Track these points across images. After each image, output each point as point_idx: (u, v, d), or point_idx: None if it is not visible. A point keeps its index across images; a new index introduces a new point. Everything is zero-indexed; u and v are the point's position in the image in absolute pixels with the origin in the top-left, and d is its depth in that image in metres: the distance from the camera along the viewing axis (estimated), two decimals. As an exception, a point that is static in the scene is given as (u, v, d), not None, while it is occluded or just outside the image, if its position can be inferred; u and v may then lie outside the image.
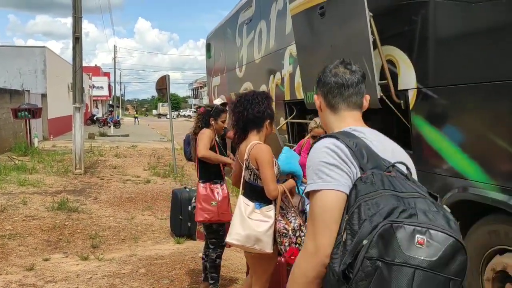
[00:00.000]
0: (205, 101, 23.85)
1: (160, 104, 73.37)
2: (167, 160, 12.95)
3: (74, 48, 11.16)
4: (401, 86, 3.73)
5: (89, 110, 38.70)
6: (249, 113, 2.91)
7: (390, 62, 3.80)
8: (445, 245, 1.11)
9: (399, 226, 1.12)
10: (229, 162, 3.85)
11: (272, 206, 2.85)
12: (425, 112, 3.50)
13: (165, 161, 12.98)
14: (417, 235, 1.11)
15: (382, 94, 3.70)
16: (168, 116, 15.15)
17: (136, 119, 47.19)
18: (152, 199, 7.98)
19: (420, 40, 3.50)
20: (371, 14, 3.63)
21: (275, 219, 2.80)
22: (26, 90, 18.15)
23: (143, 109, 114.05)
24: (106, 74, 56.99)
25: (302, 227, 2.70)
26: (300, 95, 5.73)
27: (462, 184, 3.17)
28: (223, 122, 3.96)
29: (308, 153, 4.66)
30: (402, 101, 3.72)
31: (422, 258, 1.10)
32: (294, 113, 6.45)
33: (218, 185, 3.82)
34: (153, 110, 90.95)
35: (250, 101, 2.93)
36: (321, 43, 4.44)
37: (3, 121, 14.61)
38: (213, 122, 3.90)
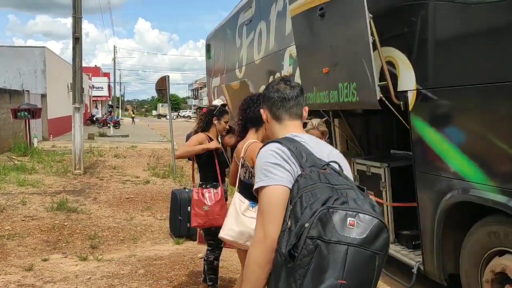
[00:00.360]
0: (205, 102, 23.82)
1: (160, 104, 73.28)
2: (167, 161, 12.94)
3: (74, 48, 11.16)
4: (400, 88, 3.73)
5: (88, 111, 38.70)
6: (251, 111, 2.99)
7: (390, 63, 3.80)
8: (371, 225, 1.36)
9: (334, 211, 1.36)
10: (207, 147, 3.71)
11: None
12: (425, 113, 3.50)
13: (164, 162, 12.97)
14: (349, 218, 1.35)
15: (381, 95, 3.70)
16: (167, 117, 15.15)
17: (133, 119, 47.07)
18: (152, 199, 7.97)
19: (419, 42, 3.51)
20: (370, 15, 3.63)
21: None
22: (25, 90, 18.14)
23: (143, 109, 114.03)
24: (106, 75, 57.00)
25: None
26: (299, 96, 5.74)
27: (461, 186, 3.17)
28: (226, 122, 3.93)
29: None
30: (401, 102, 3.72)
31: (353, 236, 1.34)
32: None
33: (212, 189, 3.73)
34: (153, 111, 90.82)
35: (254, 101, 3.02)
36: (321, 44, 4.44)
37: (2, 121, 14.61)
38: (216, 122, 3.88)
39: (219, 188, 3.77)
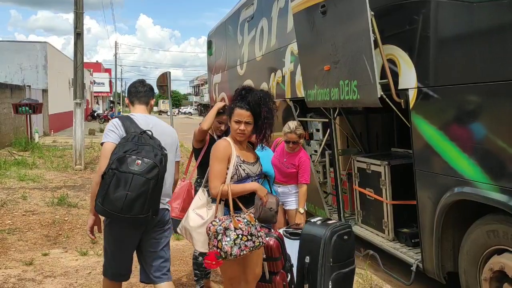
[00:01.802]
0: (206, 98, 23.82)
1: (161, 101, 73.09)
2: (167, 157, 12.94)
3: (75, 43, 11.16)
4: (401, 85, 3.73)
5: (89, 106, 38.71)
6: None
7: (391, 61, 3.80)
8: (148, 164, 2.48)
9: (129, 156, 2.48)
10: (215, 108, 3.59)
11: (213, 205, 2.72)
12: (425, 111, 3.50)
13: (165, 158, 12.97)
14: (137, 160, 2.48)
15: (382, 93, 3.70)
16: (168, 113, 15.16)
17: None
18: (152, 195, 7.97)
19: (421, 40, 3.50)
20: (372, 13, 3.63)
21: (216, 219, 2.64)
22: (27, 85, 18.17)
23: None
24: (107, 70, 56.93)
25: (227, 231, 2.52)
26: (301, 93, 5.73)
27: (461, 184, 3.17)
28: (220, 123, 3.81)
29: (279, 155, 4.63)
30: (402, 101, 3.72)
31: (137, 169, 2.45)
32: (296, 112, 6.45)
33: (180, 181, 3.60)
34: (154, 107, 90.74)
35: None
36: (322, 41, 4.44)
37: (3, 116, 14.62)
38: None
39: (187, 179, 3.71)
